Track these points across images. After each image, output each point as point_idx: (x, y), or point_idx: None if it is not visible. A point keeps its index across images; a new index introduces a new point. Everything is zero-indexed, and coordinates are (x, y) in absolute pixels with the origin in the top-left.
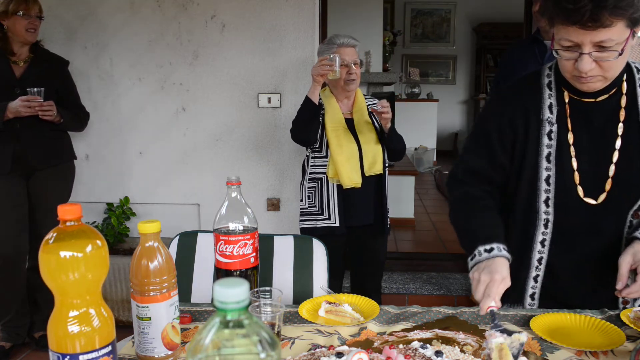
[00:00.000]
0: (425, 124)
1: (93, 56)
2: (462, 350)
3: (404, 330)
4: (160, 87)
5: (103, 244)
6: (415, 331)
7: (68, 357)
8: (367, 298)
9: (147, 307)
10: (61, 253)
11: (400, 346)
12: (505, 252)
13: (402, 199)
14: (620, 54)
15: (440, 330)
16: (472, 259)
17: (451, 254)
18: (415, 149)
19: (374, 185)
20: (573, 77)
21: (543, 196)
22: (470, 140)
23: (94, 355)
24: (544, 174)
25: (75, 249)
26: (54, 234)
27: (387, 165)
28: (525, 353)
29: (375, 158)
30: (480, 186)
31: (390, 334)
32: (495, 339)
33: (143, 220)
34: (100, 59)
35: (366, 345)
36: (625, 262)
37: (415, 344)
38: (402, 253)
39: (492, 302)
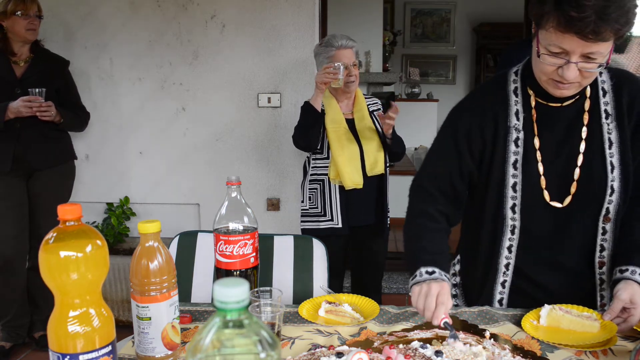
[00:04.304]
0: (425, 124)
1: (93, 56)
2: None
3: (404, 330)
4: (160, 87)
5: (103, 244)
6: (415, 331)
7: (68, 357)
8: (367, 298)
9: (147, 307)
10: (61, 253)
11: (400, 346)
12: (445, 277)
13: (402, 198)
14: (601, 66)
15: (441, 330)
16: (412, 279)
17: (450, 254)
18: (415, 149)
19: (376, 185)
20: (550, 82)
21: (510, 202)
22: (438, 145)
23: (94, 355)
24: (511, 181)
25: (75, 249)
26: (54, 234)
27: (388, 165)
28: (525, 353)
29: (376, 158)
30: (440, 202)
31: (390, 334)
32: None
33: (143, 220)
34: (100, 59)
35: (366, 345)
36: (622, 300)
37: (415, 344)
38: (402, 253)
39: (442, 314)
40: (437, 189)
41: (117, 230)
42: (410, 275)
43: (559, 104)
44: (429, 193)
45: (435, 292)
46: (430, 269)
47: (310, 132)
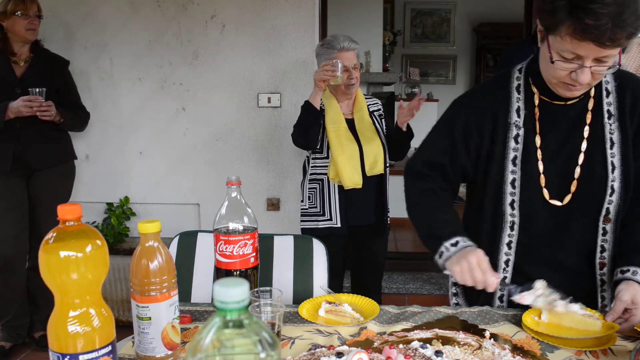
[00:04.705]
0: (425, 124)
1: (93, 56)
2: (462, 350)
3: (404, 330)
4: (160, 87)
5: (103, 244)
6: (415, 331)
7: (68, 357)
8: (367, 298)
9: (147, 307)
10: (61, 253)
11: (400, 346)
12: (470, 242)
13: (402, 198)
14: (611, 68)
15: (440, 330)
16: (440, 257)
17: None
18: (415, 148)
19: (375, 185)
20: (560, 84)
21: (509, 199)
22: (435, 135)
23: (94, 355)
24: (510, 177)
25: (75, 249)
26: (54, 234)
27: (387, 165)
28: (524, 353)
29: (376, 158)
30: (438, 180)
31: (390, 334)
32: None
33: (143, 220)
34: (100, 59)
35: (366, 345)
36: (624, 302)
37: (415, 344)
38: (402, 253)
39: (492, 277)
40: (432, 172)
41: (117, 230)
42: (432, 254)
43: (563, 102)
44: (424, 174)
45: (475, 263)
46: (453, 241)
47: (310, 130)
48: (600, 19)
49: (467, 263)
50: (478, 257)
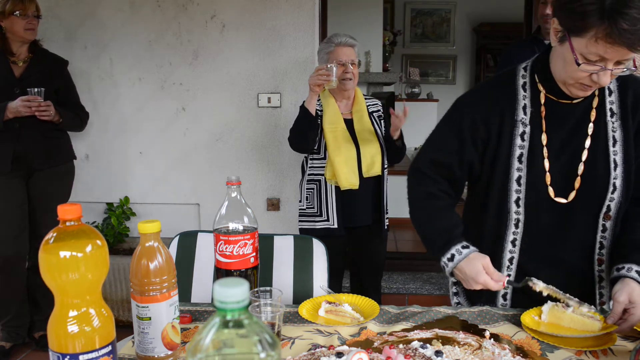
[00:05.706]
0: (425, 124)
1: (93, 56)
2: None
3: (404, 330)
4: (160, 87)
5: (103, 244)
6: (415, 331)
7: (68, 357)
8: (367, 298)
9: (147, 307)
10: (61, 253)
11: (400, 346)
12: (465, 251)
13: (402, 198)
14: (628, 69)
15: (440, 330)
16: (444, 270)
17: None
18: (415, 148)
19: (373, 186)
20: (577, 85)
21: (514, 196)
22: (440, 134)
23: (94, 355)
24: (515, 174)
25: (75, 249)
26: (54, 234)
27: (386, 166)
28: (525, 353)
29: (373, 159)
30: (442, 183)
31: (390, 334)
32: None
33: (143, 220)
34: (100, 59)
35: (366, 345)
36: (621, 302)
37: (415, 344)
38: (402, 253)
39: (495, 284)
40: (437, 173)
41: (117, 230)
42: (436, 257)
43: (569, 101)
44: (428, 176)
45: (474, 275)
46: (449, 255)
47: (305, 134)
48: (636, 24)
49: (464, 277)
50: (473, 266)
